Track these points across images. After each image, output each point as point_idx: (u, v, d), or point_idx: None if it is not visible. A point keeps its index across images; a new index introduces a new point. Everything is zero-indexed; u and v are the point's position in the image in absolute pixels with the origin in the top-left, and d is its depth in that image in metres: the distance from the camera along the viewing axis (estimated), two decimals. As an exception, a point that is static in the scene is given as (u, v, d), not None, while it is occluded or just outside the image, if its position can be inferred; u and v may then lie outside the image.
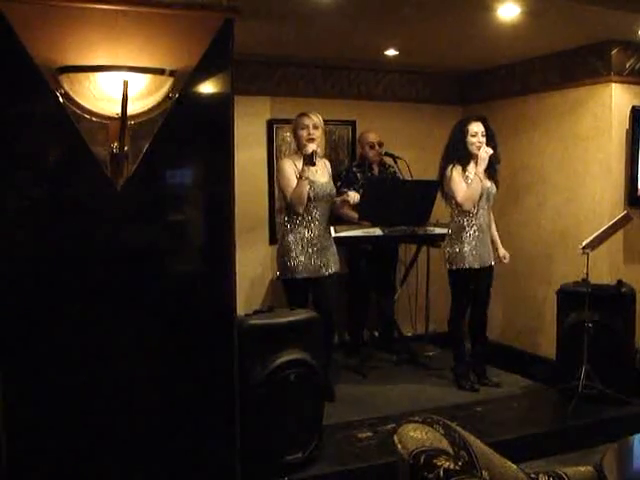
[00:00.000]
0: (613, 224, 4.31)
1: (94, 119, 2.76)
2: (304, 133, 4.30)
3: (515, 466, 2.18)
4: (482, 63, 5.62)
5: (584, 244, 4.20)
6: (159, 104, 2.85)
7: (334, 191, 4.54)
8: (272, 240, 5.40)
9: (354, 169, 5.44)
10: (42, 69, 2.66)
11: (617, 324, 4.38)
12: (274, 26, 4.26)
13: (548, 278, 5.27)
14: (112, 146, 2.77)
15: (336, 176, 4.96)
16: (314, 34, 4.54)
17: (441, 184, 4.69)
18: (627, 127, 4.84)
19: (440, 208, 4.91)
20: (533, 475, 2.22)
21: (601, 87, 4.84)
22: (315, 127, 4.31)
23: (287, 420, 3.42)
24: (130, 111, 2.73)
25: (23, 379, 2.75)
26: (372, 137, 5.42)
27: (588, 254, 4.20)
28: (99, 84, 2.69)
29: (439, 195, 4.75)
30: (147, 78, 2.76)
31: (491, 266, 4.71)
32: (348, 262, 5.36)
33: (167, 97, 2.85)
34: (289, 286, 4.38)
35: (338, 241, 4.56)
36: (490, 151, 4.52)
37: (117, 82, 2.66)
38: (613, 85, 4.77)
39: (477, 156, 4.53)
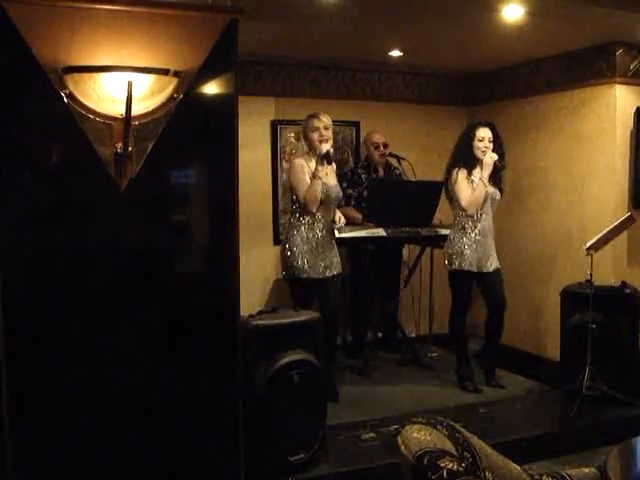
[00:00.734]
0: (617, 225, 4.31)
1: (98, 119, 2.76)
2: (316, 135, 4.30)
3: (519, 467, 2.18)
4: (486, 64, 5.61)
5: (588, 245, 4.21)
6: (163, 105, 2.85)
7: (341, 194, 4.56)
8: (276, 241, 5.40)
9: (359, 170, 5.44)
10: (47, 69, 2.65)
11: (621, 325, 4.38)
12: (278, 27, 4.27)
13: (552, 279, 5.26)
14: (116, 146, 2.77)
15: (339, 176, 4.96)
16: (318, 35, 4.54)
17: (446, 186, 4.70)
18: (631, 128, 4.83)
19: (444, 209, 4.90)
20: (537, 476, 2.22)
21: (605, 88, 4.84)
22: (326, 128, 4.32)
23: (290, 420, 3.42)
24: (134, 111, 2.73)
25: (27, 380, 2.75)
26: (377, 138, 5.42)
27: (592, 255, 4.20)
28: (103, 84, 2.69)
29: (443, 196, 4.75)
30: (151, 79, 2.76)
31: (497, 270, 4.69)
32: (352, 263, 5.36)
33: (171, 98, 2.85)
34: (294, 286, 4.38)
35: (342, 242, 4.57)
36: (495, 157, 4.51)
37: (121, 82, 2.66)
38: (617, 86, 4.77)
39: (482, 161, 4.54)
